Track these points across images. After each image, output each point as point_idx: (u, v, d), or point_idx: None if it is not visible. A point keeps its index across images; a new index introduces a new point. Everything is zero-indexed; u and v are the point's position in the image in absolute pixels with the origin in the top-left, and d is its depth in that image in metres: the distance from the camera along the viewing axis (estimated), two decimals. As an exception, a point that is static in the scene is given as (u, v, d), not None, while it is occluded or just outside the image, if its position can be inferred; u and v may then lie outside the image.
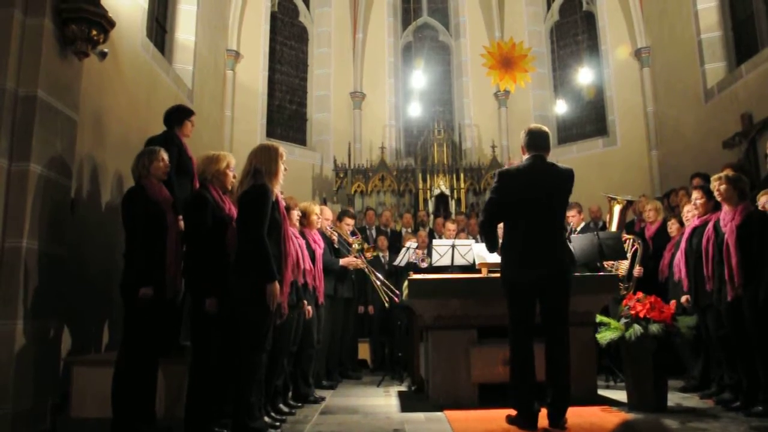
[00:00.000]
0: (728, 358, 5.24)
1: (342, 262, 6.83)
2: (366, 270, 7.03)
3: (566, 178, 4.40)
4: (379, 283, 6.94)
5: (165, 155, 4.62)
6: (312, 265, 5.56)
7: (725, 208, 5.14)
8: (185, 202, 4.59)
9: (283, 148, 4.39)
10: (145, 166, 4.46)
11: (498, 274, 4.62)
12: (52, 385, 4.57)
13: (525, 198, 4.33)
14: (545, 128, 4.61)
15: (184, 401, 4.08)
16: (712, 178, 5.28)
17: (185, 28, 9.47)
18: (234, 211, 4.26)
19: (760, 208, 5.15)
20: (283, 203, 4.37)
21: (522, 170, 4.42)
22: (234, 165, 4.45)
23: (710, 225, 5.33)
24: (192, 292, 4.17)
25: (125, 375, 4.09)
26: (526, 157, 4.50)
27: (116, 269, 4.58)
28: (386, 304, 7.02)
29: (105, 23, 4.94)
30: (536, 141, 4.48)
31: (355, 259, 6.92)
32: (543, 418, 4.20)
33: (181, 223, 4.51)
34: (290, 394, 5.42)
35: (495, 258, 5.32)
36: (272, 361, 4.56)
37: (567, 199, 4.47)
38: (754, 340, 4.79)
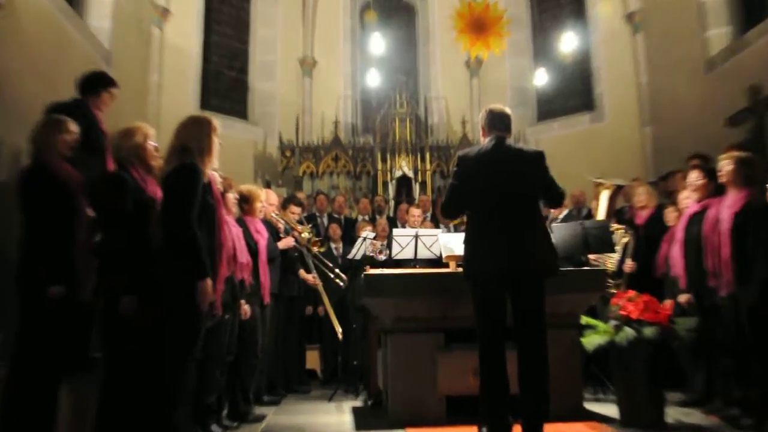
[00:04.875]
0: (738, 367, 5.25)
1: (280, 244, 6.79)
2: (303, 250, 7.10)
3: (533, 159, 4.49)
4: (321, 265, 7.10)
5: (74, 127, 4.48)
6: (251, 259, 5.48)
7: (729, 192, 5.17)
8: (96, 183, 4.44)
9: (219, 121, 4.32)
10: (49, 138, 4.32)
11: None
12: None
13: (488, 184, 4.38)
14: (507, 109, 4.69)
15: (92, 425, 3.95)
16: (720, 157, 5.30)
17: (101, -23, 9.20)
18: (158, 193, 4.17)
19: None
20: (217, 186, 4.28)
21: (483, 153, 4.47)
22: (153, 136, 4.32)
23: (712, 210, 5.33)
24: (106, 292, 4.04)
25: (18, 395, 3.94)
26: (486, 139, 4.58)
27: (8, 263, 4.40)
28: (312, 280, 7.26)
29: (-3, -32, 4.74)
30: (497, 121, 4.58)
31: (291, 238, 6.95)
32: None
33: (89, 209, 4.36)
34: (225, 412, 5.35)
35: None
36: (203, 372, 4.50)
37: (541, 184, 4.50)
38: (749, 344, 4.88)
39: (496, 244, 4.27)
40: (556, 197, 4.57)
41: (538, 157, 4.49)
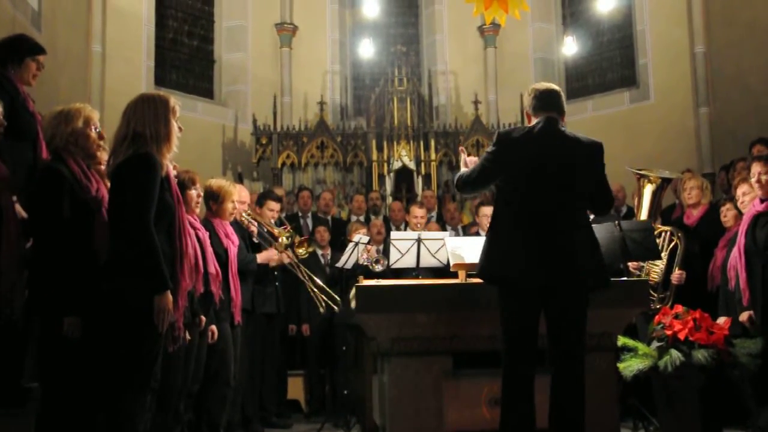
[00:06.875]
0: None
1: (260, 258, 6.81)
2: (293, 268, 7.05)
3: (591, 152, 4.52)
4: (313, 287, 6.98)
5: None
6: (219, 269, 5.51)
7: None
8: (27, 178, 4.44)
9: (178, 100, 4.30)
10: None
11: (481, 280, 4.62)
12: None
13: (531, 171, 4.40)
14: (556, 87, 4.71)
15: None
16: None
17: None
18: (105, 192, 4.19)
19: None
20: (175, 180, 4.30)
21: (529, 134, 4.49)
22: (97, 121, 4.32)
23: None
24: (41, 310, 4.07)
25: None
26: (534, 121, 4.59)
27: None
28: (321, 309, 7.16)
29: None
30: (547, 101, 4.59)
31: (276, 252, 6.93)
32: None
33: (20, 209, 4.37)
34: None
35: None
36: (162, 406, 4.54)
37: (593, 181, 4.54)
38: None
39: (531, 243, 4.30)
40: (602, 203, 4.65)
41: (596, 150, 4.53)
